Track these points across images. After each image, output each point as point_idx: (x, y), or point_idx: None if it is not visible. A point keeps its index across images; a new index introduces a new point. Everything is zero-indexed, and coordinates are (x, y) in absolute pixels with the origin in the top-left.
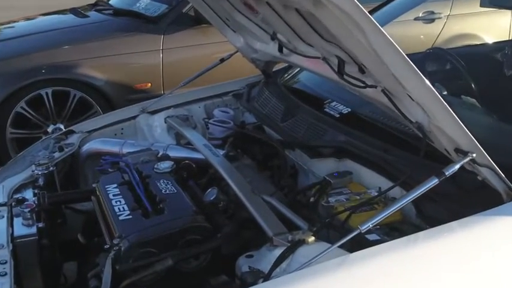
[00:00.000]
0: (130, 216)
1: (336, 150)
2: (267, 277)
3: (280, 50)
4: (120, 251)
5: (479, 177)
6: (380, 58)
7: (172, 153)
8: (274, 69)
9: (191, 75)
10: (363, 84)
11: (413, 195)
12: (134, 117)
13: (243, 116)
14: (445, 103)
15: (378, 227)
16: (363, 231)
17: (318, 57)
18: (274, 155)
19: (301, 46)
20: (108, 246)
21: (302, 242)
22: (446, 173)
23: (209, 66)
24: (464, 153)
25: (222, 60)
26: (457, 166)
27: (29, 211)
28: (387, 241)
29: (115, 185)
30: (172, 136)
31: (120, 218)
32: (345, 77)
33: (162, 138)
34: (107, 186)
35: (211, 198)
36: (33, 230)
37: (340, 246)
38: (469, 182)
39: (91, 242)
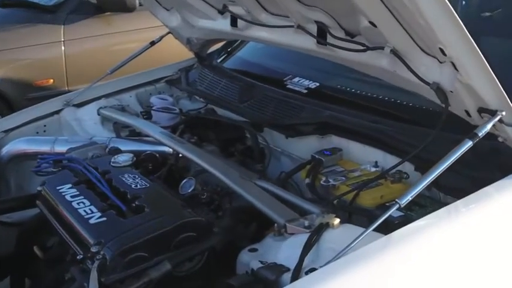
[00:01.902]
0: (104, 218)
1: (319, 126)
2: (299, 267)
3: (234, 24)
4: (106, 260)
5: (500, 139)
6: (409, 7)
7: (120, 147)
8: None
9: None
10: (362, 47)
11: (449, 161)
12: (58, 112)
13: (178, 103)
14: (482, 56)
15: (393, 202)
16: (402, 205)
17: (290, 26)
18: (238, 138)
19: (263, 17)
20: (81, 256)
21: (327, 226)
22: (479, 134)
23: (139, 51)
24: (491, 113)
25: (153, 43)
26: (489, 125)
27: None
28: (413, 216)
29: (69, 185)
30: (109, 128)
31: (91, 221)
32: (330, 44)
33: (97, 131)
34: (58, 188)
35: (189, 190)
36: None
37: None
38: (483, 147)
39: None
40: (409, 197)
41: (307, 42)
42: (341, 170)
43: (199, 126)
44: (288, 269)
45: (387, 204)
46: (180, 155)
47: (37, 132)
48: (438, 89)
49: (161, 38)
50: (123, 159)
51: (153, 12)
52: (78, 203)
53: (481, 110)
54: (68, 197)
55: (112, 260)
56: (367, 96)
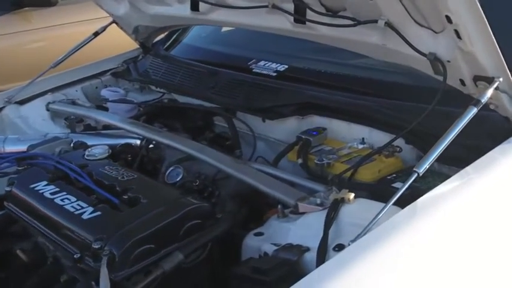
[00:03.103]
0: (99, 213)
1: (300, 107)
2: (324, 244)
3: (195, 8)
4: (114, 256)
5: (492, 106)
6: None
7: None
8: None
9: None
10: (352, 22)
11: (456, 129)
12: None
13: (127, 95)
14: (487, 23)
15: (394, 175)
16: (420, 174)
17: (264, 6)
18: (206, 126)
19: None
20: (79, 255)
21: (342, 201)
22: (482, 101)
23: (82, 42)
24: (487, 80)
25: (96, 34)
26: (490, 91)
27: None
28: (420, 187)
29: (44, 183)
30: (61, 124)
31: (84, 217)
32: (311, 21)
33: (47, 128)
34: (33, 186)
35: (178, 179)
36: None
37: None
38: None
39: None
40: (426, 165)
41: (282, 22)
42: (329, 148)
43: (162, 116)
44: (308, 248)
45: (388, 177)
46: (151, 146)
47: None
48: (435, 59)
49: (105, 28)
50: (98, 151)
51: (97, 3)
52: (61, 200)
53: (477, 78)
54: (47, 195)
55: (121, 255)
56: (344, 75)
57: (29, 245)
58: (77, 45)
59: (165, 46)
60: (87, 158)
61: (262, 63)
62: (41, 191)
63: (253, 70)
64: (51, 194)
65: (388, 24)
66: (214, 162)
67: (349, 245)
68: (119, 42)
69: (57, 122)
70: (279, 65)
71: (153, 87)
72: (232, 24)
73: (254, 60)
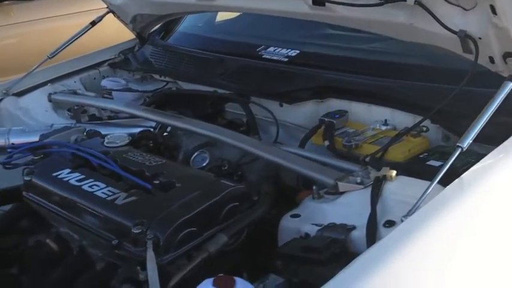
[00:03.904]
0: (134, 198)
1: (318, 90)
2: (373, 220)
3: None
4: (159, 240)
5: None
6: None
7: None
8: None
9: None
10: (378, 1)
11: (495, 103)
12: None
13: (128, 85)
14: None
15: (426, 154)
16: (464, 149)
17: None
18: (217, 113)
19: None
20: (116, 241)
21: (384, 179)
22: None
23: (79, 32)
24: None
25: (94, 23)
26: None
27: None
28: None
29: (68, 171)
30: (65, 115)
31: (118, 202)
32: (332, 2)
33: (50, 119)
34: (55, 174)
35: (204, 164)
36: None
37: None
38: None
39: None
40: (469, 140)
41: (298, 5)
42: (352, 130)
43: (171, 104)
44: (354, 227)
45: (420, 156)
46: (165, 134)
47: None
48: (466, 36)
49: (101, 18)
50: (119, 138)
51: None
52: (90, 186)
53: (507, 55)
54: (73, 182)
55: (166, 238)
56: (358, 59)
57: (44, 238)
58: (74, 35)
59: (161, 36)
60: (107, 145)
61: (271, 49)
62: (65, 179)
63: (263, 56)
64: (78, 181)
65: (418, 2)
66: (245, 146)
67: (402, 220)
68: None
69: (60, 113)
70: (289, 50)
71: (157, 76)
72: (243, 9)
73: (263, 46)
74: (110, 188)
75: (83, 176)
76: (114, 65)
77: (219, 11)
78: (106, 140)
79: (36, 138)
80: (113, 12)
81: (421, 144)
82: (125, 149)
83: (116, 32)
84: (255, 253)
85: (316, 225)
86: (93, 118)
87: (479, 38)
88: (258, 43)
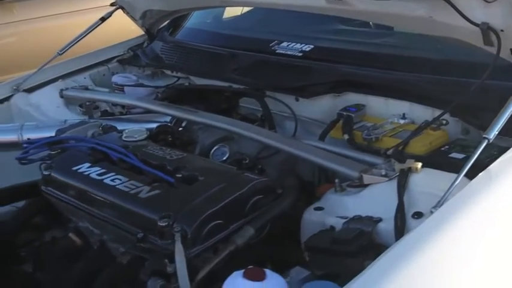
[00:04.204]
0: (158, 191)
1: (335, 85)
2: (401, 211)
3: None
4: (186, 233)
5: None
6: None
7: None
8: None
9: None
10: None
11: None
12: (7, 99)
13: (138, 81)
14: None
15: (447, 147)
16: (491, 140)
17: None
18: (231, 108)
19: None
20: (142, 234)
21: (410, 171)
22: None
23: (89, 28)
24: None
25: (103, 19)
26: None
27: None
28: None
29: (88, 165)
30: (76, 111)
31: (142, 195)
32: None
33: (62, 115)
34: (75, 169)
35: (224, 158)
36: None
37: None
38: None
39: None
40: (495, 131)
41: (314, 0)
42: (371, 124)
43: (184, 100)
44: (380, 219)
45: (442, 149)
46: (180, 129)
47: None
48: (488, 28)
49: (111, 14)
50: (137, 133)
51: None
52: (112, 180)
53: None
54: (94, 176)
55: (193, 231)
56: (374, 52)
57: (60, 233)
58: (83, 31)
59: (170, 32)
60: (125, 139)
61: (285, 44)
62: (85, 173)
63: (277, 51)
64: (98, 175)
65: None
66: (268, 140)
67: (431, 212)
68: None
69: (71, 109)
70: (303, 45)
71: (168, 72)
72: (258, 3)
73: (276, 41)
74: (132, 182)
75: (103, 170)
76: (123, 62)
77: (233, 5)
78: (124, 135)
79: (49, 134)
80: (122, 8)
81: (441, 137)
82: (144, 143)
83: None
84: (276, 246)
85: (341, 217)
86: (105, 114)
87: (501, 31)
88: (271, 38)
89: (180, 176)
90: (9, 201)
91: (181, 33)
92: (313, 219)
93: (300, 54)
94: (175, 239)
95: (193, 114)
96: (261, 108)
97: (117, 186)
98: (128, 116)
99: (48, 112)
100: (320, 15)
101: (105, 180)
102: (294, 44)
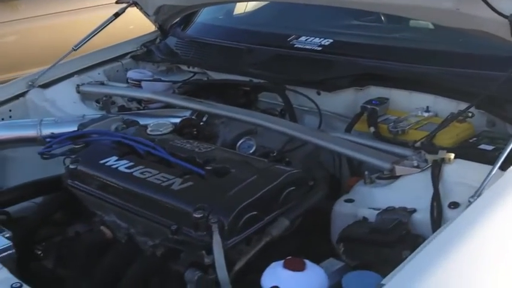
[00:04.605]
0: (191, 183)
1: (358, 78)
2: (437, 201)
3: None
4: (223, 224)
5: None
6: None
7: None
8: None
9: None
10: None
11: None
12: (23, 95)
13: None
14: None
15: (475, 138)
16: None
17: None
18: (250, 102)
19: None
20: (175, 226)
21: (443, 162)
22: None
23: (103, 24)
24: None
25: (117, 14)
26: None
27: None
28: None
29: (115, 158)
30: (93, 106)
31: (175, 187)
32: None
33: (79, 110)
34: (103, 162)
35: (251, 151)
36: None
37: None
38: None
39: None
40: None
41: None
42: (395, 117)
43: (202, 95)
44: (414, 209)
45: (470, 141)
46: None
47: (2, 119)
48: None
49: (124, 9)
50: (162, 126)
51: None
52: (141, 173)
53: None
54: (122, 169)
55: (230, 222)
56: (394, 46)
57: (83, 228)
58: (98, 27)
59: (184, 27)
60: (150, 133)
61: (303, 38)
62: (114, 166)
63: (295, 46)
64: (127, 168)
65: None
66: (283, 129)
67: (469, 202)
68: None
69: (88, 104)
70: (322, 39)
71: (185, 67)
72: None
73: (294, 36)
74: (163, 174)
75: (131, 163)
76: (137, 57)
77: (250, 0)
78: (149, 128)
79: (68, 129)
80: (136, 4)
81: (467, 130)
82: (170, 137)
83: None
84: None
85: (374, 209)
86: (122, 109)
87: None
88: (288, 33)
89: (210, 168)
90: (32, 196)
91: (194, 28)
92: (344, 211)
93: (319, 48)
94: (213, 230)
95: (218, 108)
96: (279, 103)
97: (147, 179)
98: (147, 110)
99: (64, 107)
100: (336, 9)
101: (134, 173)
102: (312, 38)
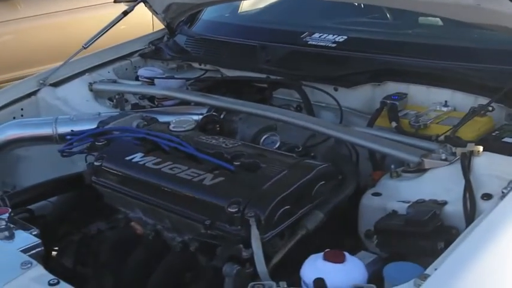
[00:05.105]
0: (222, 178)
1: (376, 74)
2: (470, 192)
3: None
4: (260, 218)
5: None
6: None
7: None
8: None
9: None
10: None
11: None
12: (34, 93)
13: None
14: None
15: (497, 132)
16: None
17: None
18: (265, 99)
19: None
20: (209, 221)
21: (471, 154)
22: None
23: (112, 22)
24: None
25: (126, 13)
26: None
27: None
28: None
29: (141, 154)
30: (106, 104)
31: (207, 183)
32: None
33: (92, 109)
34: (129, 159)
35: (276, 147)
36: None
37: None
38: None
39: None
40: None
41: None
42: (414, 112)
43: (216, 92)
44: (445, 202)
45: (493, 134)
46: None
47: (14, 117)
48: None
49: (133, 7)
50: (185, 123)
51: None
52: (170, 169)
53: None
54: (150, 165)
55: (267, 216)
56: (409, 42)
57: (104, 226)
58: (107, 25)
59: (190, 25)
60: (173, 129)
61: (316, 35)
62: (141, 162)
63: (309, 42)
64: (155, 164)
65: None
66: (308, 125)
67: (503, 193)
68: None
69: (100, 102)
70: (336, 36)
71: (196, 65)
72: None
73: (307, 33)
74: (193, 170)
75: (159, 159)
76: (145, 55)
77: None
78: (172, 125)
79: (84, 127)
80: (145, 2)
81: (488, 123)
82: (193, 133)
83: None
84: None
85: (403, 202)
86: (135, 107)
87: None
88: (301, 30)
89: (238, 163)
90: (53, 194)
91: (200, 26)
92: (372, 205)
93: (334, 45)
94: (251, 223)
95: (239, 104)
96: (294, 99)
97: (178, 175)
98: (161, 108)
99: (77, 106)
100: (347, 5)
101: (163, 169)
102: (325, 35)
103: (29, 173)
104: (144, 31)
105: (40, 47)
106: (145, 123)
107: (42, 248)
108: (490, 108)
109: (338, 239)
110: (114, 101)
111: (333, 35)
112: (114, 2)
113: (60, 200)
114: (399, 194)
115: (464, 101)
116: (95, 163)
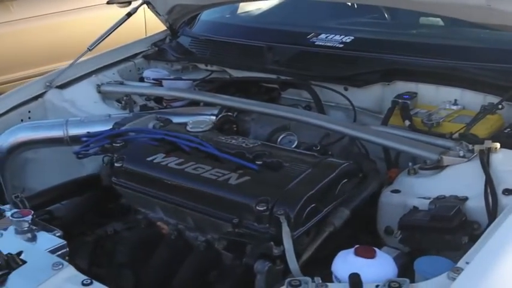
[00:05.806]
0: (248, 177)
1: (385, 73)
2: (491, 187)
3: None
4: (289, 216)
5: None
6: None
7: None
8: None
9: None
10: None
11: None
12: (41, 96)
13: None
14: None
15: (509, 129)
16: None
17: None
18: (273, 99)
19: None
20: (237, 220)
21: (489, 151)
22: None
23: (117, 23)
24: None
25: (129, 14)
26: None
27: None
28: None
29: (162, 155)
30: (115, 106)
31: (232, 182)
32: None
33: (101, 110)
34: (150, 159)
35: (293, 146)
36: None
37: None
38: None
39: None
40: None
41: None
42: (425, 111)
43: (224, 93)
44: (466, 197)
45: (505, 131)
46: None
47: (21, 120)
48: None
49: (136, 9)
50: (203, 123)
51: None
52: (194, 169)
53: None
54: (173, 165)
55: (296, 214)
56: (416, 42)
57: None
58: (111, 27)
59: (192, 26)
60: (191, 130)
61: (323, 36)
62: (164, 163)
63: (316, 43)
64: (178, 164)
65: None
66: (326, 124)
67: None
68: None
69: (108, 104)
70: (342, 36)
71: (202, 66)
72: None
73: (313, 34)
74: (217, 170)
75: (181, 160)
76: (149, 57)
77: None
78: (189, 126)
79: (95, 129)
80: (148, 4)
81: (498, 121)
82: (212, 133)
83: None
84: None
85: (424, 198)
86: (144, 108)
87: None
88: (306, 31)
89: (260, 163)
90: (71, 196)
91: (199, 27)
92: (392, 202)
93: (341, 45)
94: (281, 221)
95: (251, 105)
96: (303, 99)
97: (202, 175)
98: (171, 109)
99: (85, 108)
100: (352, 6)
101: (186, 169)
102: (332, 35)
103: (38, 176)
104: (138, 35)
105: (33, 49)
106: (162, 124)
107: (67, 249)
108: (500, 106)
109: (352, 235)
110: (123, 102)
111: (340, 35)
112: (107, 3)
113: (73, 202)
114: (418, 190)
115: (473, 99)
116: (116, 164)
